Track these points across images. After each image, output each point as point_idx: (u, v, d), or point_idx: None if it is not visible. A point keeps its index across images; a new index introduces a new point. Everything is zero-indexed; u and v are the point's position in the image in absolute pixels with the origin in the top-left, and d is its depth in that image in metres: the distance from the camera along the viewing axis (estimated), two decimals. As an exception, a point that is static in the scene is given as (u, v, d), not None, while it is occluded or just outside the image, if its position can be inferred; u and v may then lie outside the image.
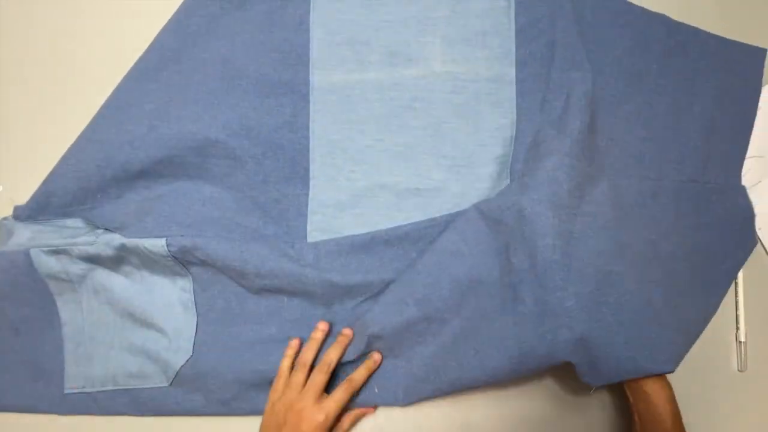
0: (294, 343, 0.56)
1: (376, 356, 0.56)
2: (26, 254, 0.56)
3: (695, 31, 0.63)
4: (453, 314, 0.55)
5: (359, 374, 0.55)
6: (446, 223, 0.58)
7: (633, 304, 0.53)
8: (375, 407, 0.57)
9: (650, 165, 0.61)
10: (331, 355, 0.54)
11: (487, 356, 0.54)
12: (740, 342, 0.62)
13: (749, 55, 0.64)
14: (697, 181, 0.62)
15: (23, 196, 0.60)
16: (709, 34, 0.63)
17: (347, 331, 0.56)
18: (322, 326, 0.57)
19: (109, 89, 0.60)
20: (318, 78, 0.61)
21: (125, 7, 0.64)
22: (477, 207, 0.56)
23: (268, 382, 0.55)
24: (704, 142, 0.62)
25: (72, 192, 0.58)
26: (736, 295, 0.62)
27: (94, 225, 0.59)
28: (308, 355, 0.55)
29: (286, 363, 0.55)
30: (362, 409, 0.56)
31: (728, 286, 0.62)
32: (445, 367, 0.54)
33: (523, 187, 0.56)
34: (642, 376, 0.51)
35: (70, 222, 0.58)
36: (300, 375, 0.53)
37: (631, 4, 0.63)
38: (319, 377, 0.53)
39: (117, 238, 0.56)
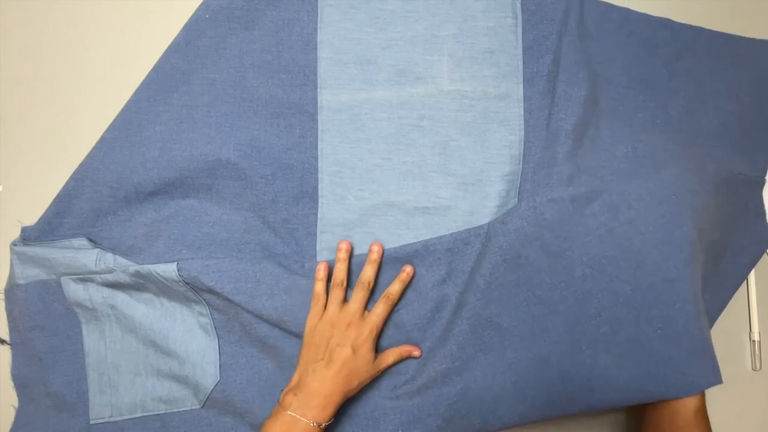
0: (322, 266, 0.57)
1: (408, 268, 0.57)
2: (58, 283, 0.58)
3: (700, 31, 0.63)
4: (478, 349, 0.56)
5: (395, 288, 0.56)
6: (455, 240, 0.59)
7: (683, 312, 0.50)
8: (420, 351, 0.57)
9: (679, 167, 0.60)
10: (368, 273, 0.56)
11: (526, 386, 0.54)
12: (753, 341, 0.62)
13: (755, 48, 0.63)
14: (731, 172, 0.61)
15: (23, 197, 0.61)
16: (714, 32, 0.63)
17: (375, 247, 0.57)
18: (344, 245, 0.58)
19: (108, 89, 0.61)
20: (326, 97, 0.61)
21: (125, 7, 0.64)
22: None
23: None
24: (723, 140, 0.62)
25: (85, 213, 0.59)
26: (749, 294, 0.63)
27: (101, 247, 0.59)
28: (341, 274, 0.56)
29: (319, 286, 0.56)
30: (408, 347, 0.56)
31: (741, 282, 0.61)
32: (479, 402, 0.55)
33: (539, 215, 0.55)
34: (695, 394, 0.49)
35: (76, 242, 0.59)
36: (339, 292, 0.55)
37: (632, 11, 0.62)
38: (361, 294, 0.55)
39: (131, 265, 0.57)
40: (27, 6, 0.64)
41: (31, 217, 0.60)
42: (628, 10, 0.62)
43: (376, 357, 0.54)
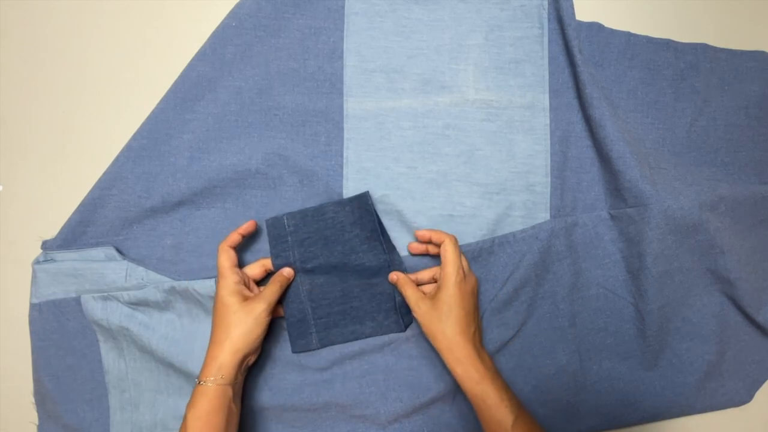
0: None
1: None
2: (77, 301, 0.57)
3: (702, 48, 0.63)
4: (500, 354, 0.58)
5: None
6: (480, 249, 0.59)
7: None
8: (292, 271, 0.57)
9: (689, 188, 0.60)
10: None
11: (545, 390, 0.58)
12: None
13: (759, 60, 0.63)
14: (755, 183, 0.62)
15: (23, 197, 0.60)
16: (716, 48, 0.63)
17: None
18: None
19: (109, 89, 0.60)
20: (351, 106, 0.61)
21: (126, 7, 0.63)
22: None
23: (318, 416, 0.56)
24: (734, 155, 0.62)
25: (110, 222, 0.59)
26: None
27: (130, 260, 0.59)
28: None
29: None
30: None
31: None
32: None
33: (569, 235, 0.59)
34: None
35: (103, 252, 0.58)
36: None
37: (633, 34, 0.62)
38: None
39: (166, 281, 0.57)
40: (27, 6, 0.63)
41: (31, 218, 0.59)
42: (629, 34, 0.62)
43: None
